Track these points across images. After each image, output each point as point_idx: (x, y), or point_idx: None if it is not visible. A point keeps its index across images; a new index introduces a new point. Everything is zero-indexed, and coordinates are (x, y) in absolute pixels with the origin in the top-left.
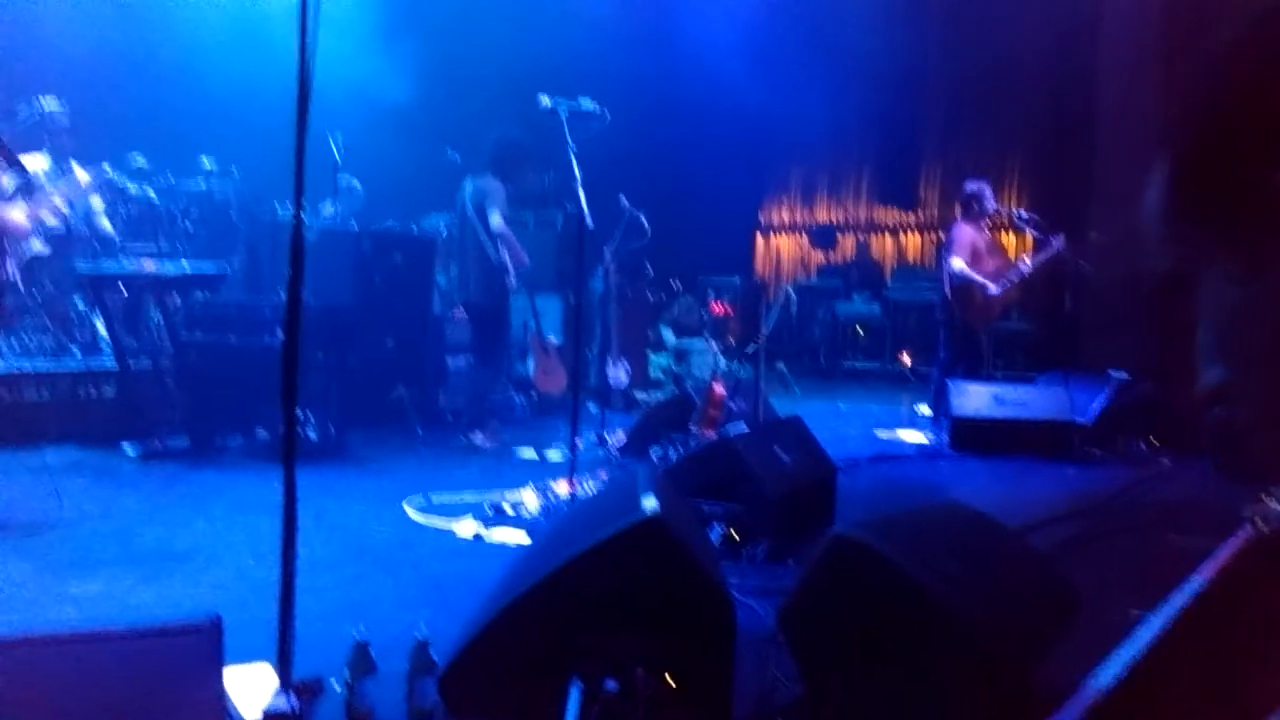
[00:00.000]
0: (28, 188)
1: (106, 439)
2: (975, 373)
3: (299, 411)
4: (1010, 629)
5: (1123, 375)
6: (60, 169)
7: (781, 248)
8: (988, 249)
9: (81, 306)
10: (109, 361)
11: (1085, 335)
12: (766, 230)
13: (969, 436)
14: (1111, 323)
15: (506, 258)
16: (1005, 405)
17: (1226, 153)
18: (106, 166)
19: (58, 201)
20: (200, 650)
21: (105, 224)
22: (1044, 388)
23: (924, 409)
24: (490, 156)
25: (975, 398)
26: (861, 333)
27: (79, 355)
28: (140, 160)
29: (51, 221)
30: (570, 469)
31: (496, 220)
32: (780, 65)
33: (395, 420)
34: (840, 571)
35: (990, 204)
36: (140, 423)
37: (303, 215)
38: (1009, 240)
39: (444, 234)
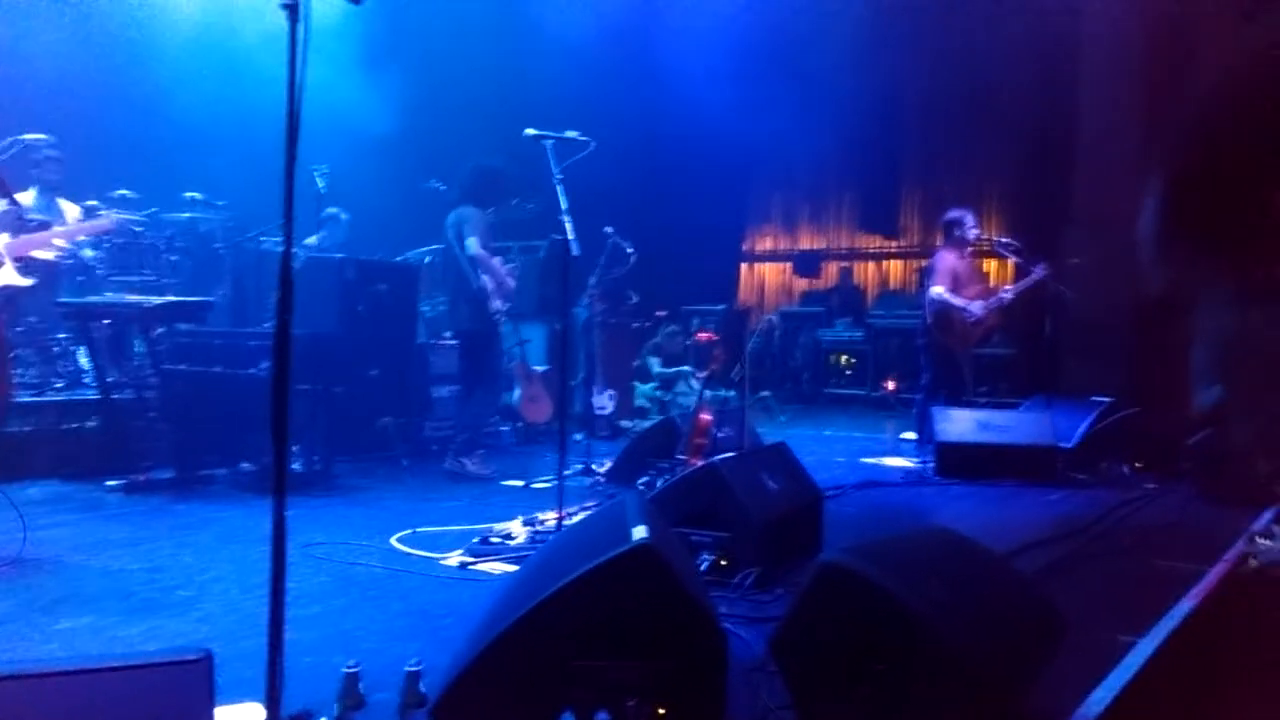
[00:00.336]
0: (19, 222)
1: (91, 472)
2: (958, 398)
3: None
4: (997, 653)
5: (1105, 400)
6: (47, 203)
7: (765, 275)
8: (969, 275)
9: (65, 338)
10: (92, 393)
11: (1067, 360)
12: (750, 258)
13: (953, 462)
14: (1093, 347)
15: (488, 283)
16: (989, 430)
17: (1222, 173)
18: (93, 202)
19: (59, 242)
20: (191, 685)
21: (89, 255)
22: (1027, 413)
23: (908, 435)
24: (467, 186)
25: (959, 423)
26: (845, 359)
27: (62, 387)
28: (126, 193)
29: (48, 257)
30: (557, 498)
31: (473, 245)
32: (763, 95)
33: (381, 450)
34: (829, 598)
35: (972, 231)
36: (125, 455)
37: (290, 244)
38: (991, 267)
39: (427, 263)
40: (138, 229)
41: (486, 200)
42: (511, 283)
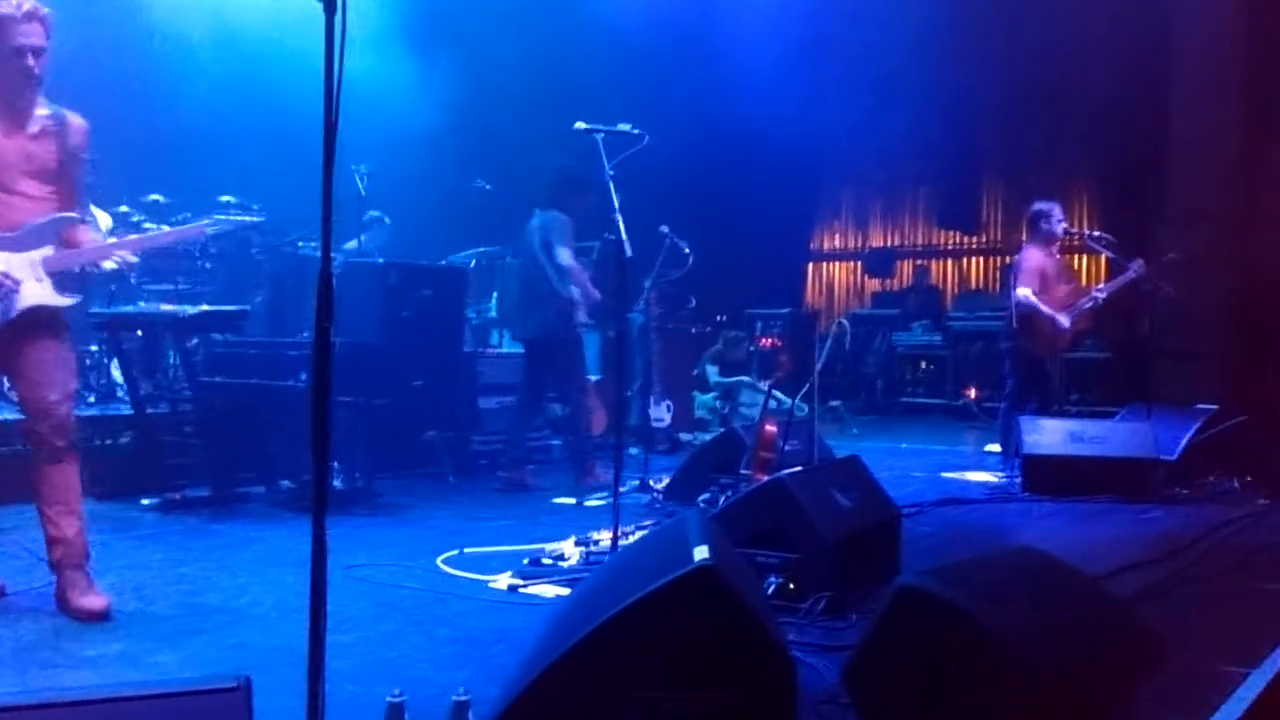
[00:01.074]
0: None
1: (124, 490)
2: (1047, 407)
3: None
4: (1089, 683)
5: (1209, 407)
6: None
7: (834, 275)
8: (1057, 274)
9: (96, 350)
10: (125, 408)
11: (1166, 364)
12: (818, 257)
13: (1042, 476)
14: (1195, 350)
15: (576, 294)
16: (1081, 442)
17: None
18: (124, 208)
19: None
20: (229, 714)
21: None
22: (1123, 422)
23: (992, 447)
24: (551, 188)
25: (1048, 434)
26: (922, 365)
27: (93, 402)
28: (159, 198)
29: (112, 266)
30: (613, 517)
31: (565, 257)
32: (831, 84)
33: (426, 466)
34: (908, 624)
35: (1060, 224)
36: (159, 472)
37: (330, 249)
38: (1081, 264)
39: (473, 266)
40: (252, 219)
41: (571, 204)
42: (596, 294)
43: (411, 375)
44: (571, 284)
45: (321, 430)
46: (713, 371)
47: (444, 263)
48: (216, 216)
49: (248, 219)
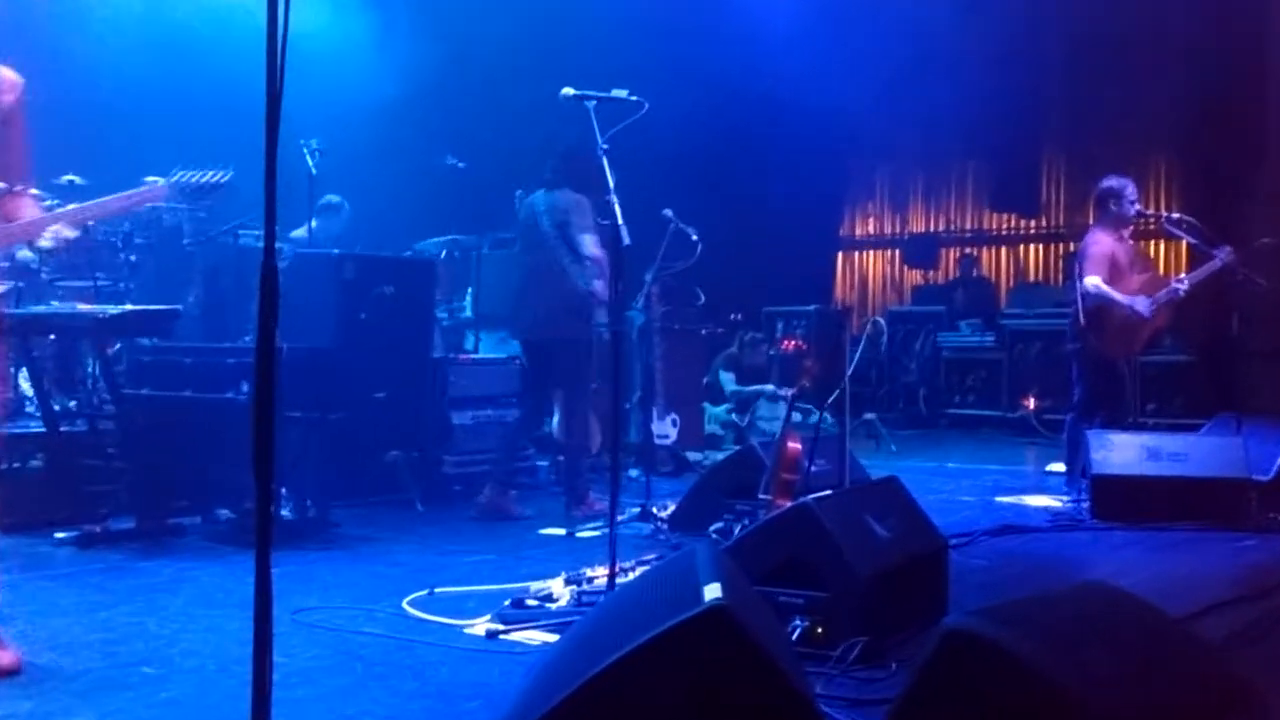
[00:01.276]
0: None
1: (35, 522)
2: (1120, 419)
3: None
4: None
5: None
6: None
7: (868, 266)
8: (1131, 262)
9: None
10: (37, 425)
11: (1261, 368)
12: (849, 245)
13: (1114, 500)
14: None
15: (600, 288)
16: (1160, 460)
17: None
18: (35, 191)
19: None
20: None
21: (27, 255)
22: (1210, 436)
23: (1055, 467)
24: (565, 166)
25: (1121, 451)
26: (972, 371)
27: None
28: (75, 179)
29: (46, 245)
30: (609, 550)
31: (590, 245)
32: (864, 45)
33: (390, 492)
34: (957, 674)
35: (1133, 205)
36: (77, 501)
37: (274, 239)
38: (1159, 251)
39: (444, 258)
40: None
41: (587, 184)
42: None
43: (372, 386)
44: (595, 277)
45: (266, 451)
46: (726, 379)
47: (410, 254)
48: (179, 173)
49: (211, 177)
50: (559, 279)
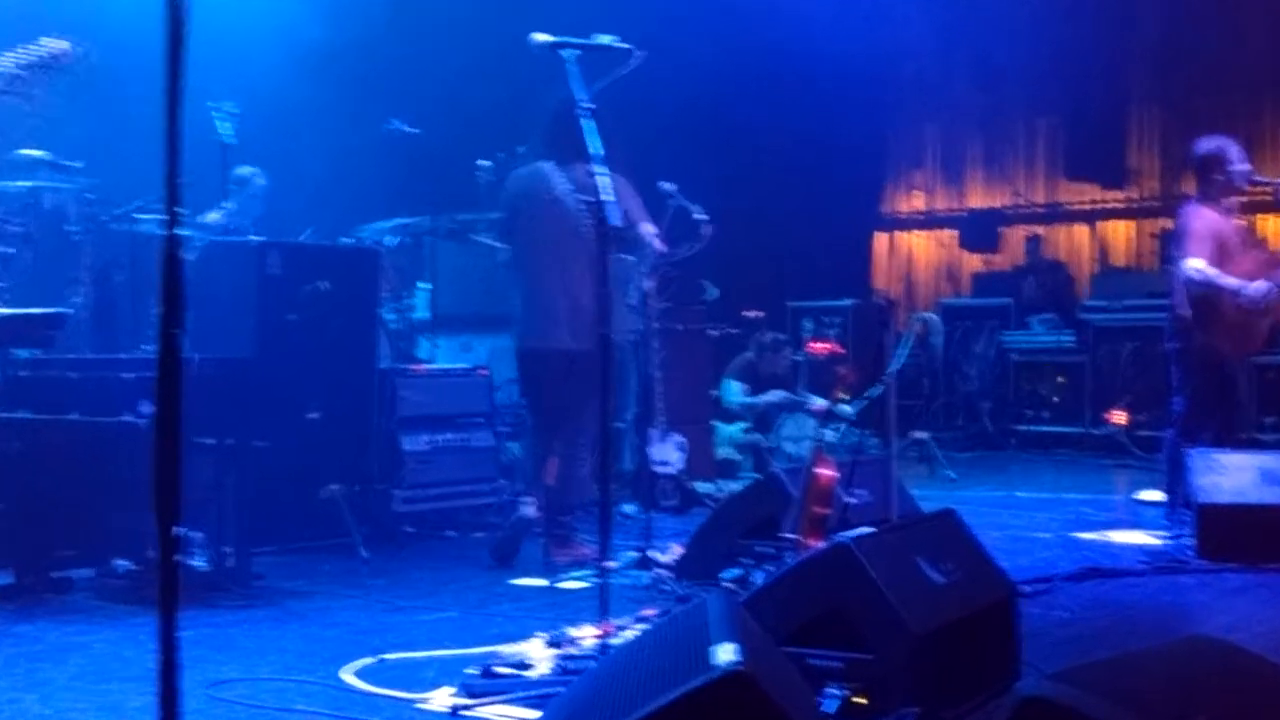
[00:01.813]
0: None
1: None
2: (1231, 435)
3: (180, 527)
4: None
5: None
6: None
7: (916, 250)
8: (1242, 240)
9: None
10: None
11: None
12: (892, 225)
13: (1225, 536)
14: None
15: (649, 286)
16: None
17: None
18: None
19: None
20: None
21: None
22: None
23: (1152, 495)
24: (551, 130)
25: (1233, 475)
26: (1047, 378)
27: None
28: None
29: None
30: (599, 605)
31: (649, 228)
32: None
33: (327, 535)
34: None
35: (1241, 172)
36: None
37: (179, 224)
38: (1274, 227)
39: (392, 246)
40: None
41: (581, 154)
42: None
43: (303, 405)
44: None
45: (171, 486)
46: (740, 391)
47: (349, 241)
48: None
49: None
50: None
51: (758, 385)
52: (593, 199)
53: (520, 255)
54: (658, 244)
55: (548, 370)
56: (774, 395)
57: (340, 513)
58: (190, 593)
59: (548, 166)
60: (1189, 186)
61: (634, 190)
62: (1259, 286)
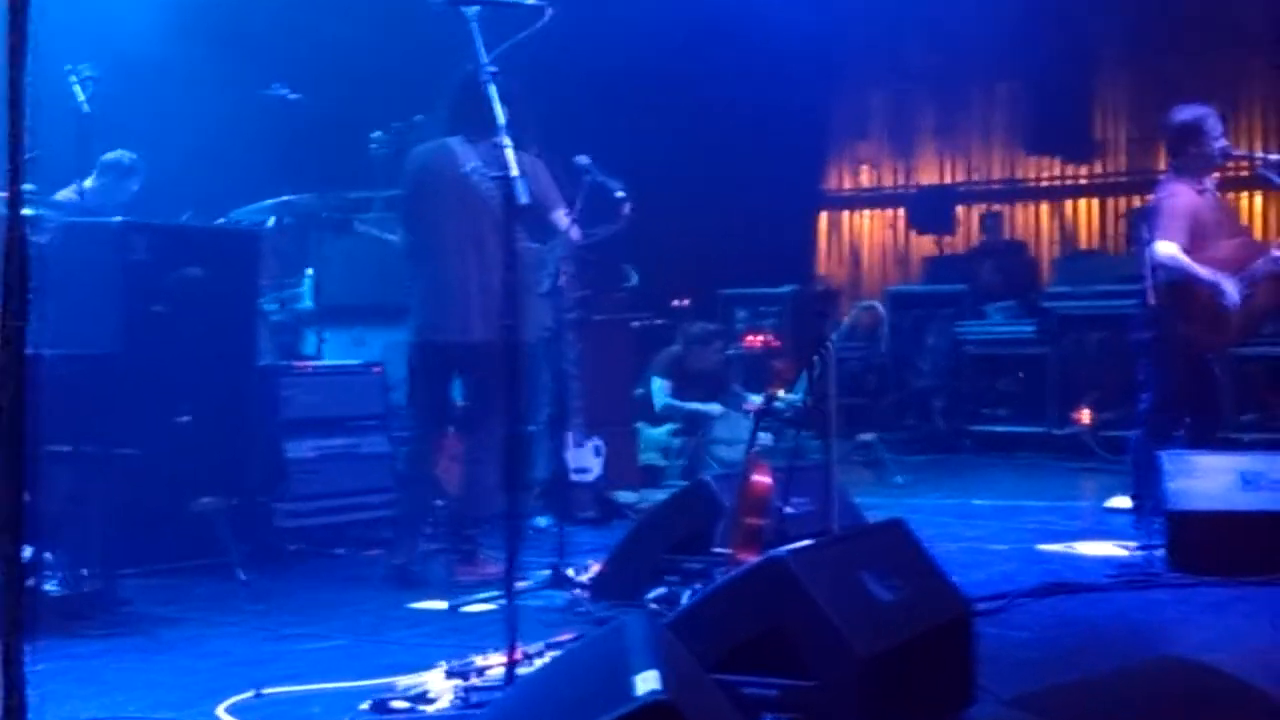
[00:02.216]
0: None
1: None
2: (1208, 434)
3: (29, 547)
4: None
5: None
6: None
7: (861, 231)
8: (1218, 221)
9: None
10: None
11: None
12: (835, 203)
13: (1200, 546)
14: None
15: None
16: (1260, 489)
17: None
18: None
19: None
20: None
21: None
22: None
23: (1119, 501)
24: (458, 104)
25: (1208, 478)
26: (1006, 372)
27: None
28: None
29: None
30: (507, 629)
31: (563, 216)
32: None
33: (200, 554)
34: None
35: (1218, 144)
36: None
37: (25, 203)
38: (1253, 206)
39: (273, 227)
40: None
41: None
42: None
43: (173, 407)
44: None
45: (16, 501)
46: (666, 390)
47: (224, 222)
48: None
49: None
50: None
51: (685, 382)
52: (500, 175)
53: (422, 239)
54: (573, 233)
55: (450, 366)
56: (711, 407)
57: (216, 529)
58: (44, 620)
59: (454, 141)
60: (1161, 161)
61: (549, 172)
62: (1233, 283)
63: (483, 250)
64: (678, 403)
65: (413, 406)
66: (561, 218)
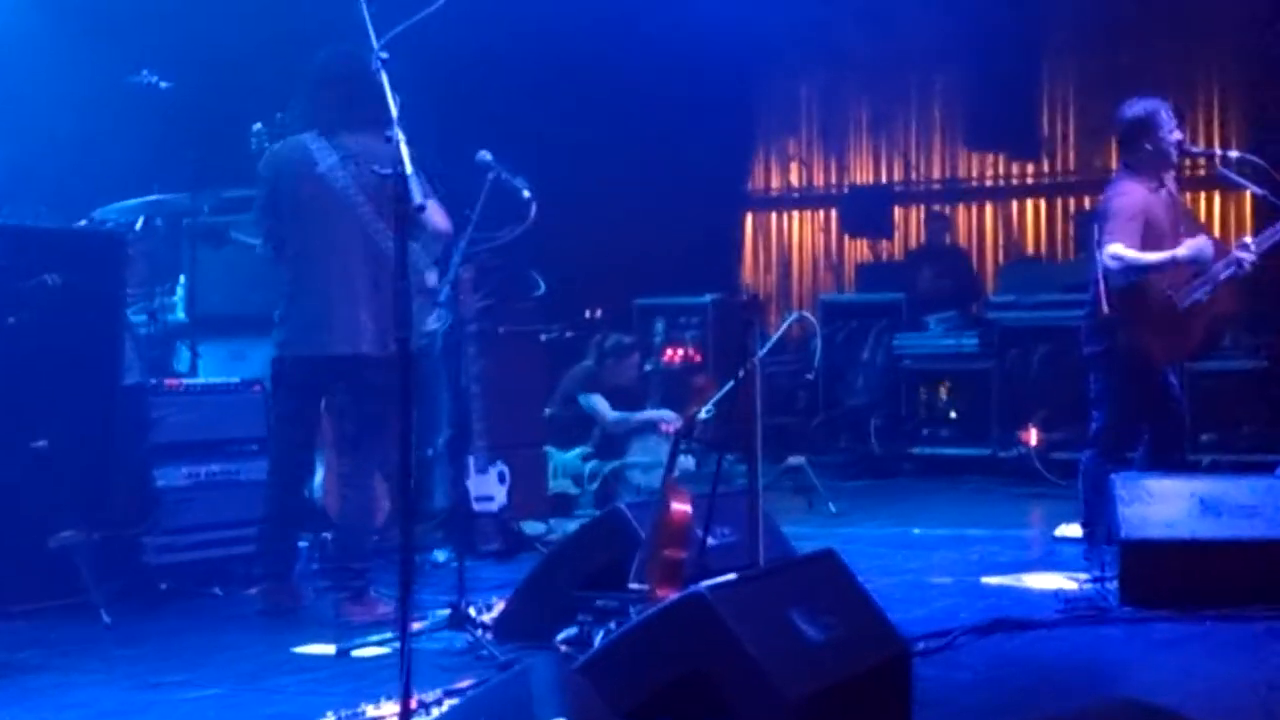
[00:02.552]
0: None
1: None
2: (1166, 454)
3: None
4: None
5: None
6: None
7: (790, 234)
8: (1173, 221)
9: None
10: None
11: None
12: (761, 204)
13: (1155, 577)
14: None
15: (431, 279)
16: (1219, 516)
17: None
18: None
19: None
20: None
21: None
22: None
23: (1069, 530)
24: (321, 92)
25: (1164, 504)
26: (945, 389)
27: None
28: None
29: None
30: (402, 674)
31: (439, 217)
32: None
33: (59, 594)
34: None
35: (1173, 140)
36: None
37: None
38: (1210, 206)
39: (141, 229)
40: None
41: (368, 118)
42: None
43: (27, 430)
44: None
45: None
46: (604, 404)
47: (86, 223)
48: None
49: None
50: (377, 269)
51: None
52: (389, 172)
53: (280, 246)
54: (441, 223)
55: (315, 382)
56: (664, 412)
57: (78, 566)
58: None
59: (309, 138)
60: (1112, 158)
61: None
62: (1189, 290)
63: (346, 256)
64: (627, 414)
65: (275, 425)
66: (434, 210)
